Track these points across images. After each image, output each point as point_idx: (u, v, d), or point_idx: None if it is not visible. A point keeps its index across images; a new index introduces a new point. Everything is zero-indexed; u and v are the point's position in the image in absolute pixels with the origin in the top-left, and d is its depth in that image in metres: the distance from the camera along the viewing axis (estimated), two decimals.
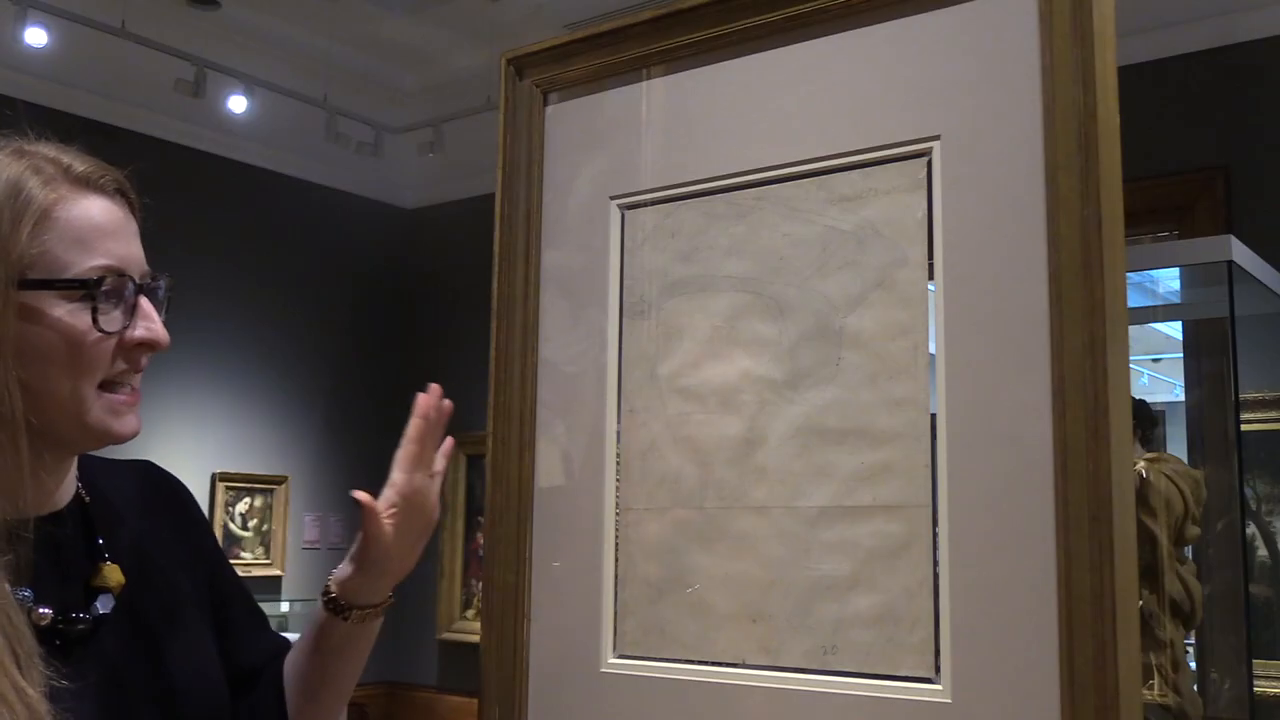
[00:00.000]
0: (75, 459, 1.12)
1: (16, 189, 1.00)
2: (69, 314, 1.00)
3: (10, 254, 0.98)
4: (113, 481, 1.18)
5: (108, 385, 1.04)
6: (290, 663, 1.22)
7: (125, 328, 1.04)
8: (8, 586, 0.95)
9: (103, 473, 1.18)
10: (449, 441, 1.20)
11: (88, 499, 1.12)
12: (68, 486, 1.10)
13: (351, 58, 5.39)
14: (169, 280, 1.11)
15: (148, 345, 1.05)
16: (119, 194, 1.07)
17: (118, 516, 1.14)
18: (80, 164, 1.05)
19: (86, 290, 1.01)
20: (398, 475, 1.16)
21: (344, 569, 1.17)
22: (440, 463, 1.21)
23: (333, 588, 1.17)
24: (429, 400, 1.18)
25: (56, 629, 1.01)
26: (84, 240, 1.02)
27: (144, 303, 1.05)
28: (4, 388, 0.96)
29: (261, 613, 1.28)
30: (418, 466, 1.17)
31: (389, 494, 1.16)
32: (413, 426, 1.18)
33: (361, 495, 1.14)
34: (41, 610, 1.01)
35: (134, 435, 1.07)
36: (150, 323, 1.05)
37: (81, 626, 1.04)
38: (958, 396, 1.06)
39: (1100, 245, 0.99)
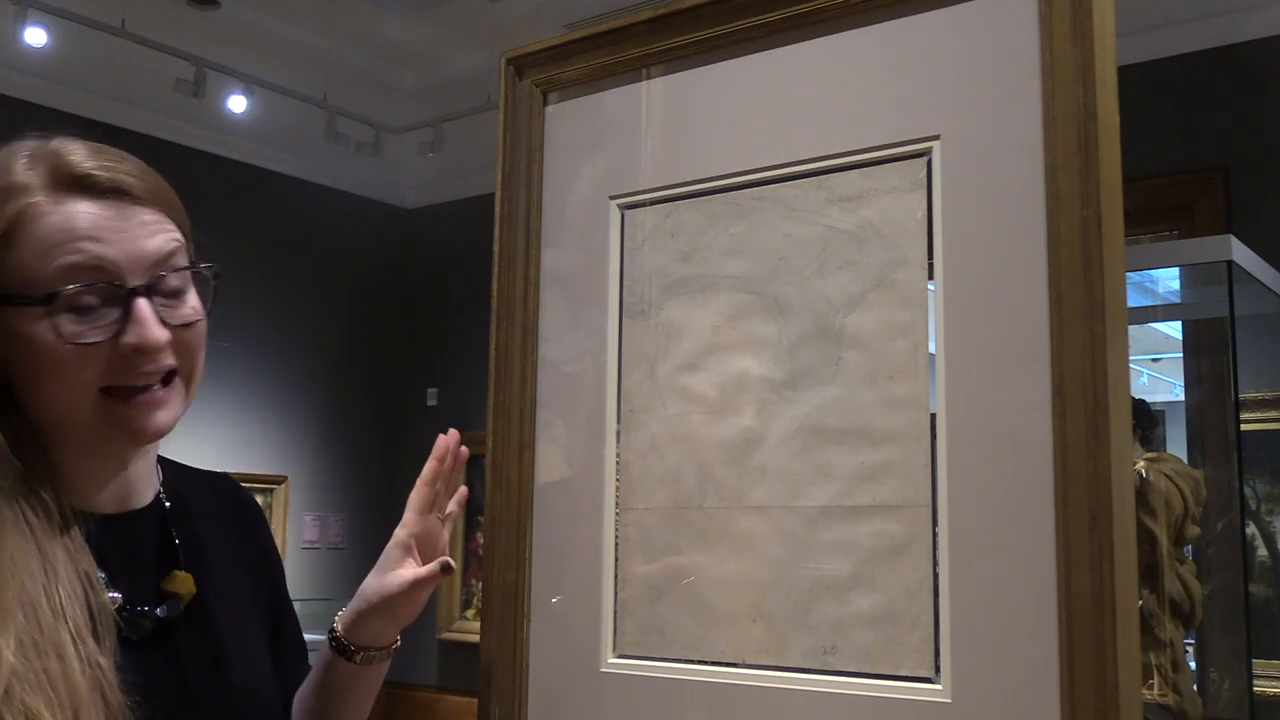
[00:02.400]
0: (151, 460, 1.10)
1: None
2: (45, 329, 0.95)
3: None
4: (195, 490, 1.17)
5: (127, 391, 0.98)
6: (299, 699, 1.21)
7: (117, 334, 0.96)
8: (91, 559, 0.96)
9: (186, 480, 1.17)
10: (463, 490, 1.20)
11: (167, 504, 1.11)
12: (145, 488, 1.09)
13: (351, 58, 5.39)
14: (212, 269, 1.05)
15: (141, 353, 0.97)
16: (115, 191, 0.98)
17: (196, 524, 1.13)
18: (77, 163, 0.98)
19: (45, 305, 0.94)
20: (409, 515, 1.16)
21: (351, 611, 1.16)
22: (451, 507, 1.20)
23: (339, 630, 1.16)
24: (446, 443, 1.18)
25: (122, 616, 1.00)
26: (54, 249, 0.94)
27: (139, 306, 0.96)
28: (13, 402, 0.96)
29: (304, 641, 1.27)
30: (430, 509, 1.17)
31: (400, 534, 1.15)
32: (428, 469, 1.17)
33: (451, 562, 1.13)
34: (112, 595, 1.00)
35: (158, 433, 1.01)
36: (141, 328, 0.96)
37: (147, 622, 1.02)
38: (958, 396, 1.06)
39: (1100, 245, 0.99)
